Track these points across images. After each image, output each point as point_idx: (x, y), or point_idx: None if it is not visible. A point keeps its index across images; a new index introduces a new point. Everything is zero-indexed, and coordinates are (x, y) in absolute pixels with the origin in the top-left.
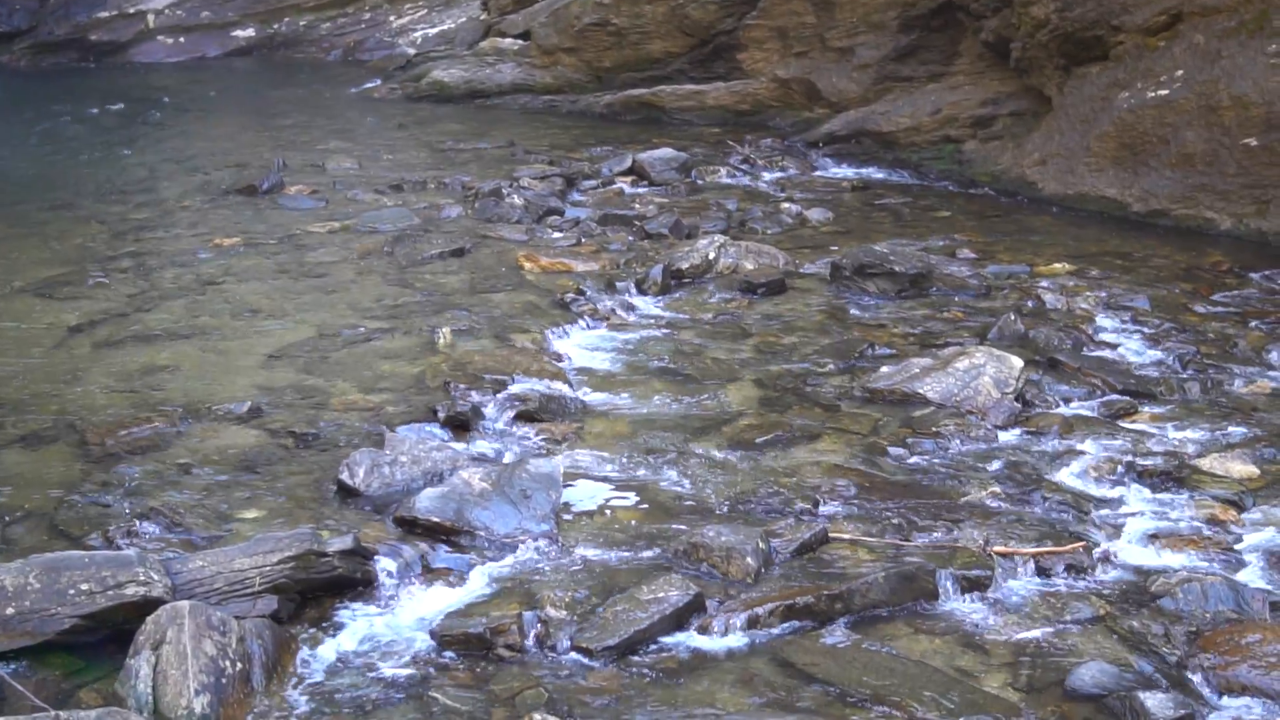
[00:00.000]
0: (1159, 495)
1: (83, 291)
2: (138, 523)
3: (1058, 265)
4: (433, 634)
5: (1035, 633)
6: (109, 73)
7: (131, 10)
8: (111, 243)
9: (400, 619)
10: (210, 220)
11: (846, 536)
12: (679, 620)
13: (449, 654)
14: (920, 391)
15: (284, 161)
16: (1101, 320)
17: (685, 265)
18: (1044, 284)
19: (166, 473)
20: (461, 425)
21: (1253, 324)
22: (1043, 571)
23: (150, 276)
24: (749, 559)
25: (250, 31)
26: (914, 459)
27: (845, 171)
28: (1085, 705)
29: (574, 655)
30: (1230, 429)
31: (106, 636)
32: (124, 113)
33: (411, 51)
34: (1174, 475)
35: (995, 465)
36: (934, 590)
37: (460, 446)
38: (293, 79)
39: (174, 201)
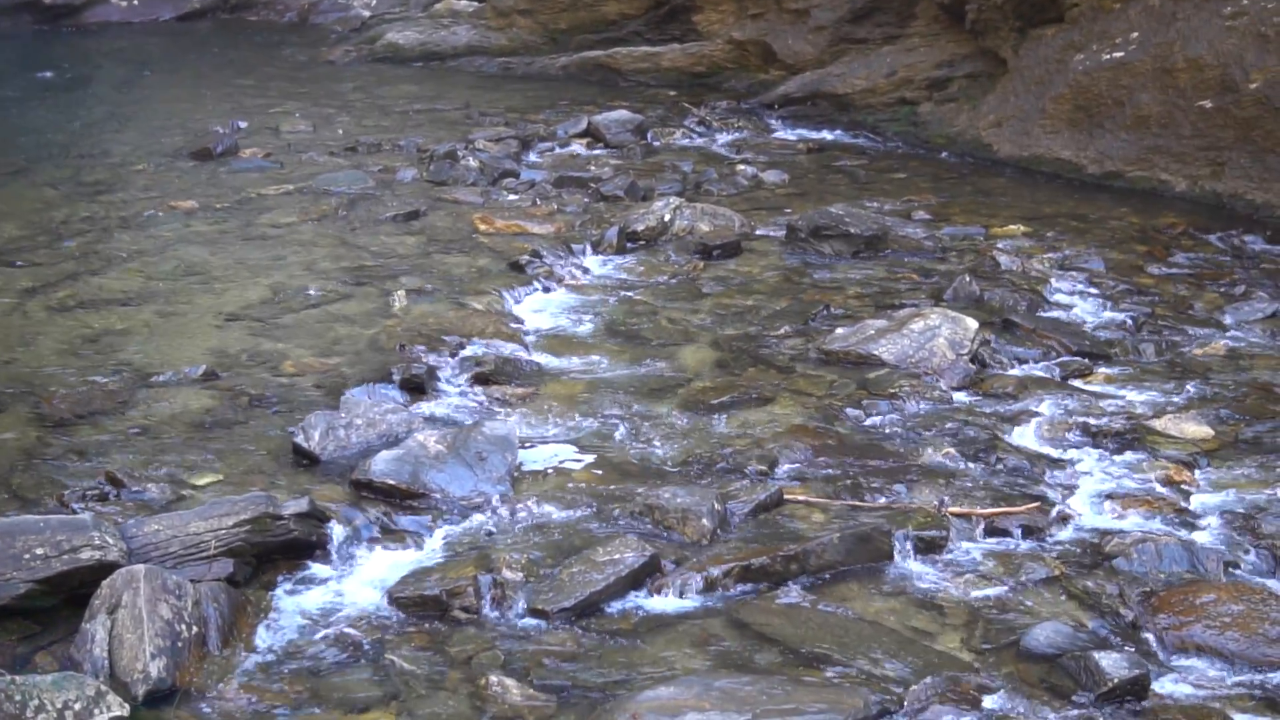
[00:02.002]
0: (1113, 456)
1: (37, 255)
2: (93, 486)
3: (1013, 227)
4: (388, 596)
5: (990, 593)
6: (64, 36)
7: None
8: (66, 207)
9: (356, 582)
10: (164, 183)
11: (802, 498)
12: (635, 582)
13: (405, 616)
14: (875, 353)
15: (238, 124)
16: (1056, 282)
17: (640, 227)
18: (999, 245)
19: (121, 436)
20: (417, 388)
21: (1207, 285)
22: (997, 532)
23: (105, 240)
24: (704, 520)
25: None
26: (869, 420)
27: (801, 133)
28: (1040, 665)
29: (530, 617)
30: (1185, 390)
31: (62, 601)
32: (78, 77)
33: (366, 14)
34: (1128, 436)
35: (950, 426)
36: (889, 551)
37: (416, 409)
38: (247, 41)
39: (128, 165)
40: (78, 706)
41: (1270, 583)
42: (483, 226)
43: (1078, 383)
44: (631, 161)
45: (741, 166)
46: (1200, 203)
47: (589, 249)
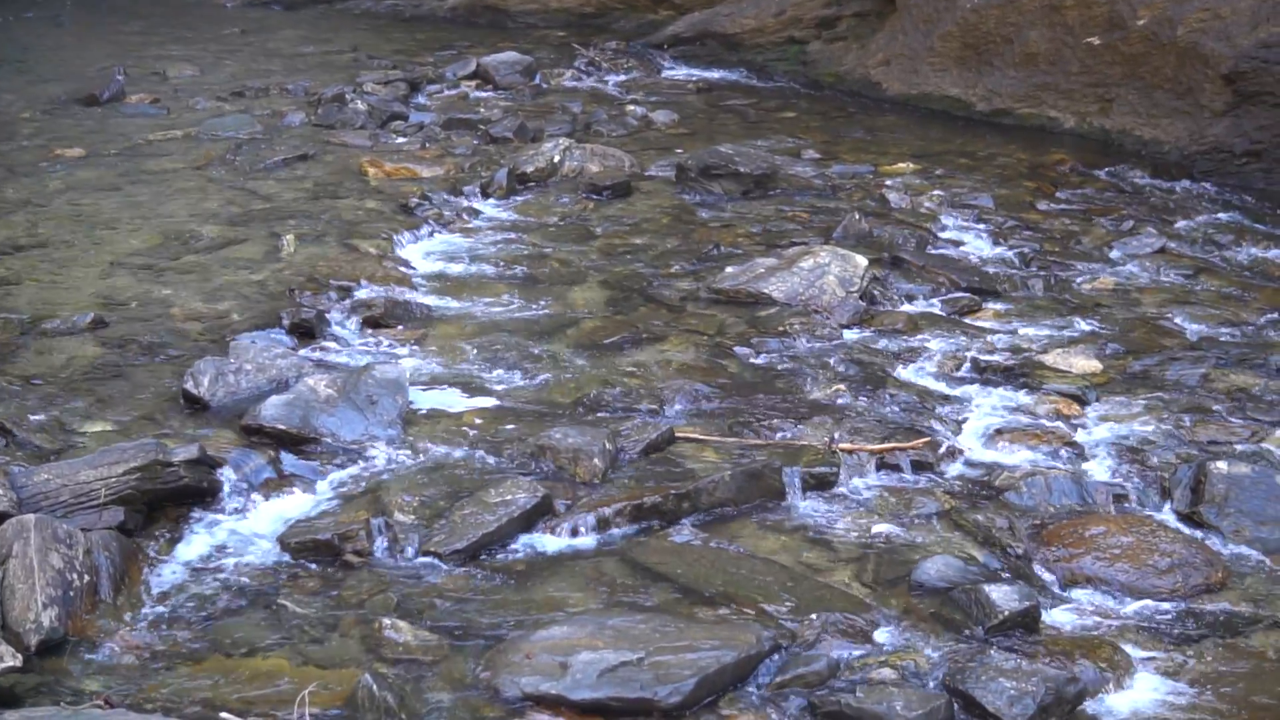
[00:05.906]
0: (1003, 391)
1: None
2: None
3: (902, 165)
4: (281, 542)
5: (881, 528)
6: None
7: None
8: None
9: (248, 527)
10: (51, 131)
11: (693, 436)
12: (527, 522)
13: (297, 561)
14: (765, 291)
15: (125, 70)
16: (945, 219)
17: (530, 169)
18: (888, 183)
19: (9, 386)
20: (307, 332)
21: (1095, 221)
22: (888, 468)
23: None
24: (596, 460)
25: None
26: (760, 358)
27: (690, 73)
28: (931, 598)
29: (423, 559)
30: (1073, 325)
31: None
32: None
33: None
34: (1018, 371)
35: (841, 363)
36: (780, 488)
37: (306, 353)
38: None
39: (13, 113)
40: None
41: (1159, 514)
42: (371, 170)
43: (967, 318)
44: (521, 103)
45: (631, 107)
46: (1088, 139)
47: (478, 191)
